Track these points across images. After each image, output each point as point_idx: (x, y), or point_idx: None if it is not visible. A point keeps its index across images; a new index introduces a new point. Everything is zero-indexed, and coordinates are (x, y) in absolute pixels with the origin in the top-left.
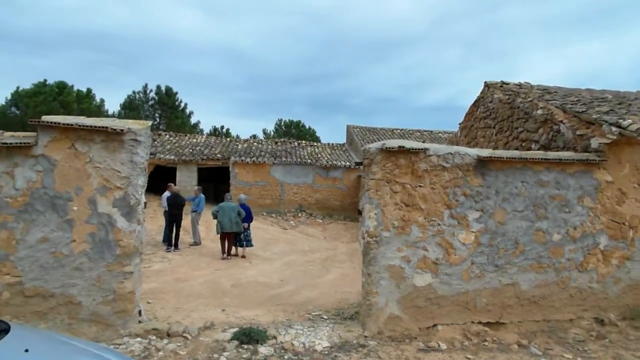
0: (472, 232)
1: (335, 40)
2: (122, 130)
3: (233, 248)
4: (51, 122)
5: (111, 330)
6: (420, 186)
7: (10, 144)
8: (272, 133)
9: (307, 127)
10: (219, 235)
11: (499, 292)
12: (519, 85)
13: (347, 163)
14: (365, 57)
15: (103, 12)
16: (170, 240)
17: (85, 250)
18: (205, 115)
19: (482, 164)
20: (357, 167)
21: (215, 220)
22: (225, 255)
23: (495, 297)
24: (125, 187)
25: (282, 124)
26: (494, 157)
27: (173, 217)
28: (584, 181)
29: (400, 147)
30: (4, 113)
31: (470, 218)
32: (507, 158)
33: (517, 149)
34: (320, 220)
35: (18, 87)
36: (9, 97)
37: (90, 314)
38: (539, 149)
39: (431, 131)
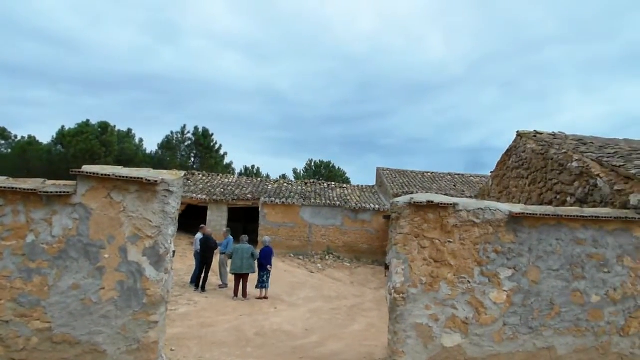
0: (504, 290)
1: (371, 82)
2: (156, 181)
3: (258, 291)
4: (90, 173)
5: None
6: (449, 242)
7: (51, 192)
8: (302, 173)
9: (337, 168)
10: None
11: (534, 356)
12: (553, 135)
13: (377, 206)
14: (399, 99)
15: (151, 54)
16: (198, 282)
17: (113, 298)
18: (238, 153)
19: (515, 220)
20: (386, 219)
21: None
22: (235, 297)
23: None
24: (156, 237)
25: (313, 164)
26: (527, 214)
27: (204, 260)
28: (623, 240)
29: (429, 201)
30: (50, 151)
31: (502, 276)
32: (540, 214)
33: (551, 201)
34: (348, 264)
35: (63, 127)
36: (54, 135)
37: None
38: (574, 203)
39: (462, 174)
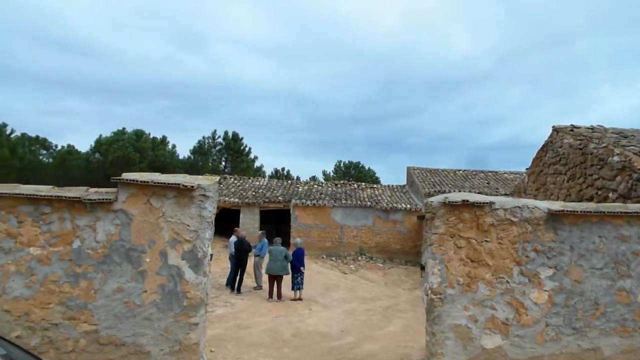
0: (545, 290)
1: (396, 81)
2: (192, 186)
3: (292, 292)
4: (130, 180)
5: None
6: (486, 241)
7: (94, 199)
8: (331, 174)
9: (367, 168)
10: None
11: (578, 357)
12: (591, 129)
13: (408, 205)
14: (426, 97)
15: (179, 62)
16: (233, 284)
17: (155, 300)
18: (267, 156)
19: (554, 217)
20: (420, 219)
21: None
22: (270, 298)
23: None
24: (194, 240)
25: (342, 165)
26: (567, 211)
27: (239, 262)
28: None
29: (464, 201)
30: (88, 159)
31: (542, 276)
32: (581, 211)
33: (592, 197)
34: (381, 264)
35: (100, 135)
36: (93, 144)
37: None
38: (617, 199)
39: (496, 172)
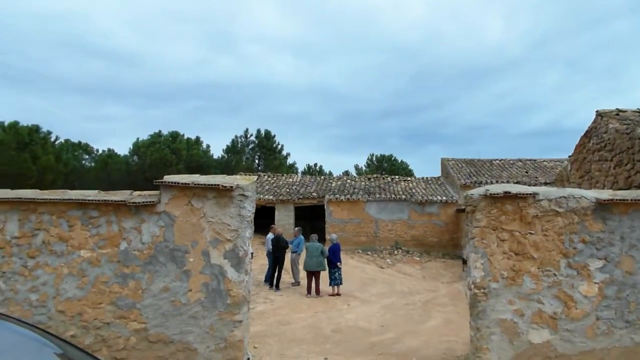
0: (595, 283)
1: (427, 71)
2: (231, 186)
3: (330, 288)
4: (171, 182)
5: None
6: (530, 233)
7: (138, 202)
8: (363, 168)
9: (400, 161)
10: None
11: (632, 351)
12: (638, 112)
13: (444, 198)
14: (458, 86)
15: (209, 64)
16: (272, 281)
17: (200, 299)
18: (299, 153)
19: (602, 207)
20: (460, 212)
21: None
22: (308, 294)
23: (628, 358)
24: (235, 240)
25: (374, 158)
26: (616, 200)
27: (276, 259)
28: None
29: (505, 192)
30: (127, 162)
31: (591, 267)
32: (632, 200)
33: None
34: (418, 258)
35: (138, 138)
36: (131, 147)
37: None
38: None
39: (534, 160)
